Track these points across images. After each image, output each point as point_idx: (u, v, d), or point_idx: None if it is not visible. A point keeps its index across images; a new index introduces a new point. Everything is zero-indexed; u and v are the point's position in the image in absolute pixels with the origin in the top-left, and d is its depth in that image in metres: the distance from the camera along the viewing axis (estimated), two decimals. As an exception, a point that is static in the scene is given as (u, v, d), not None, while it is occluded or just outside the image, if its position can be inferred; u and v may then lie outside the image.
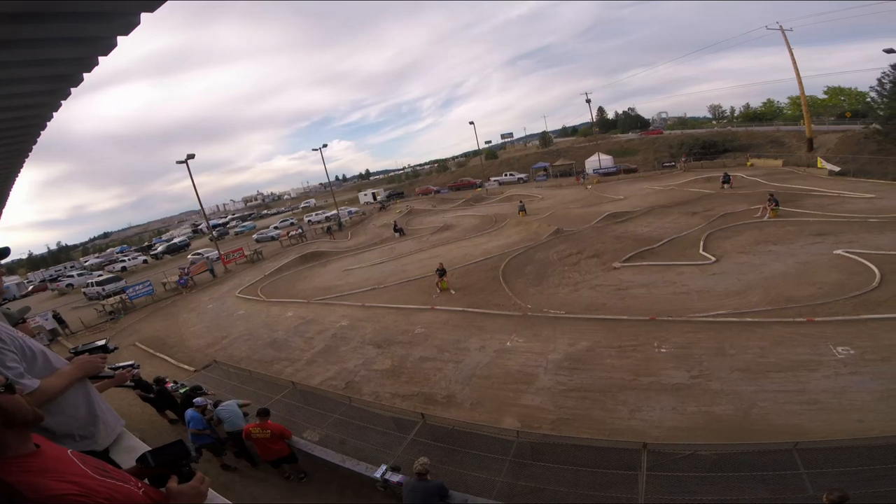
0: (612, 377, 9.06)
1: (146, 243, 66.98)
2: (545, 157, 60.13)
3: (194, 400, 7.50)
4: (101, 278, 32.17)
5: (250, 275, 26.85)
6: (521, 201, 31.77)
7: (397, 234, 31.77)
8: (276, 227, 48.98)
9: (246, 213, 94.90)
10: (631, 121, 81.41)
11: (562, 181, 47.26)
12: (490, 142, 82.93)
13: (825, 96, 53.73)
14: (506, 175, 55.73)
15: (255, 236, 45.41)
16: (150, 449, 1.91)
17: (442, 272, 16.59)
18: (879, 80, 29.06)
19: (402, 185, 76.64)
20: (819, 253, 14.24)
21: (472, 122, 54.77)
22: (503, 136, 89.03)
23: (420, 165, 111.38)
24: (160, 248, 50.98)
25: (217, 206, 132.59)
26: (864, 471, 4.67)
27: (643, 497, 4.64)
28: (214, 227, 54.66)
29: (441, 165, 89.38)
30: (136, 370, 3.23)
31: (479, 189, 51.53)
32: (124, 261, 45.44)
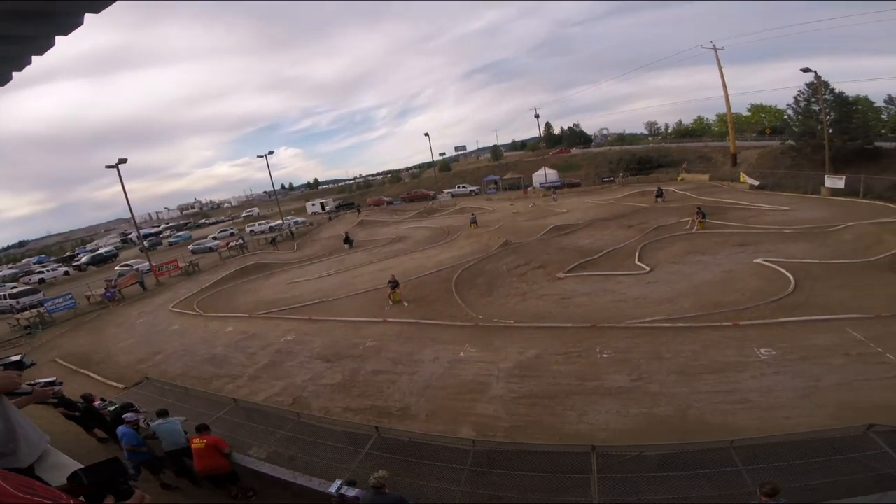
0: (559, 383, 9.39)
1: (68, 253, 60.66)
2: (496, 170, 61.98)
3: (124, 416, 6.98)
4: (14, 290, 28.85)
5: (185, 288, 25.22)
6: (473, 213, 32.38)
7: (347, 246, 31.18)
8: (214, 238, 46.43)
9: (181, 222, 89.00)
10: (575, 136, 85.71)
11: (510, 194, 48.77)
12: (444, 154, 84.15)
13: (748, 113, 59.43)
14: (459, 187, 56.70)
15: (190, 247, 42.70)
16: (81, 466, 1.79)
17: (394, 284, 16.48)
18: (795, 98, 31.77)
19: (353, 195, 75.53)
20: (741, 262, 15.67)
21: (426, 134, 55.45)
22: (457, 149, 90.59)
23: (373, 176, 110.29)
24: (84, 259, 46.36)
25: (149, 214, 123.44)
26: (795, 465, 5.06)
27: (596, 499, 4.81)
28: (146, 236, 50.98)
29: (395, 176, 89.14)
30: (59, 387, 3.00)
31: (433, 202, 52.14)
32: (42, 272, 40.96)
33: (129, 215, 32.27)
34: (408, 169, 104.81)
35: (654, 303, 13.39)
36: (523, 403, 8.84)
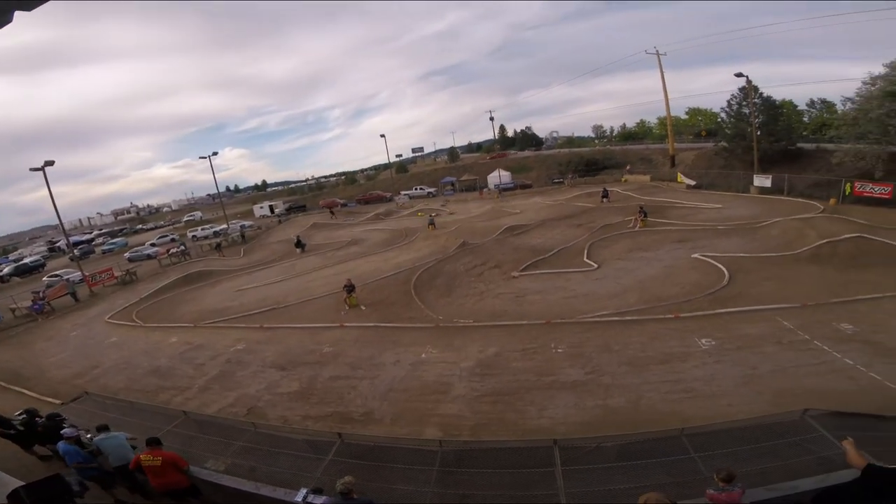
0: (519, 379, 9.61)
1: None
2: (452, 171, 62.43)
3: (63, 431, 6.47)
4: None
5: (123, 298, 23.46)
6: (430, 215, 32.35)
7: (299, 250, 30.22)
8: (153, 244, 43.48)
9: (116, 228, 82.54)
10: (528, 139, 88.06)
11: (467, 195, 49.30)
12: (401, 155, 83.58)
13: (686, 117, 63.38)
14: (416, 189, 56.54)
15: (127, 255, 39.67)
16: (22, 484, 1.65)
17: (350, 288, 16.16)
18: (728, 101, 34.04)
19: (304, 197, 73.33)
20: (680, 257, 16.76)
21: (383, 136, 54.90)
22: (414, 151, 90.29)
23: (325, 177, 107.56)
24: (6, 270, 41.69)
25: (80, 220, 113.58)
26: (742, 451, 5.40)
27: (563, 492, 4.95)
28: (76, 244, 46.90)
29: (349, 178, 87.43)
30: None
31: (391, 202, 51.75)
32: (-44, 284, 36.45)
33: (56, 222, 29.48)
34: (363, 170, 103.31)
35: (602, 298, 14.00)
36: (486, 401, 8.96)
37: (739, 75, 30.20)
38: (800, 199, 23.96)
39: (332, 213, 49.71)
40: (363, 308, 15.86)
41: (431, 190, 55.35)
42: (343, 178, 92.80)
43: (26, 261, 44.63)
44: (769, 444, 5.56)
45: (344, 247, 29.66)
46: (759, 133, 30.11)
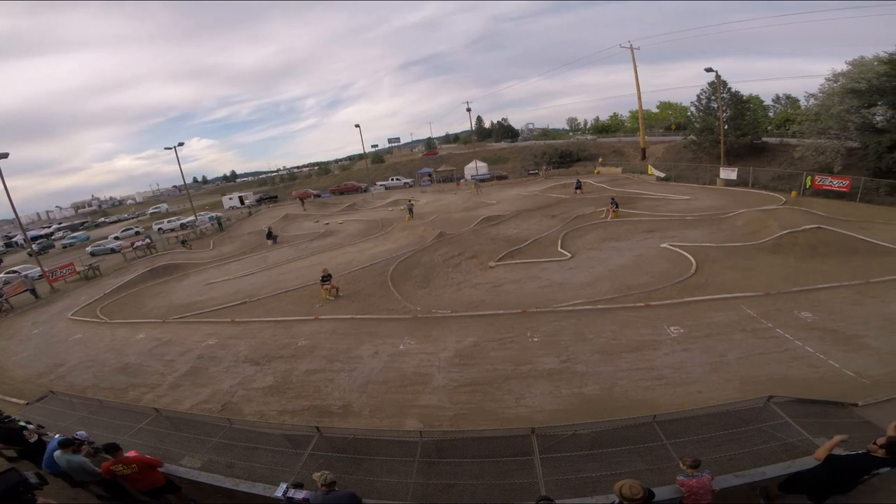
0: (496, 369, 9.72)
1: None
2: (429, 162, 61.92)
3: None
4: None
5: (86, 293, 22.37)
6: (410, 201, 32.05)
7: (271, 242, 29.51)
8: (116, 238, 41.61)
9: (77, 221, 78.28)
10: (504, 130, 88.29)
11: (444, 186, 49.12)
12: (377, 146, 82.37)
13: (657, 110, 64.77)
14: (392, 179, 55.88)
15: (89, 249, 37.78)
16: None
17: (326, 277, 15.90)
18: (698, 96, 34.97)
19: (276, 188, 71.45)
20: (650, 247, 17.22)
21: (357, 126, 53.28)
22: (390, 141, 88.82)
23: (298, 168, 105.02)
24: None
25: (38, 214, 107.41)
26: (711, 437, 5.63)
27: (542, 480, 5.06)
28: (34, 238, 44.42)
29: (323, 168, 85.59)
30: None
31: (367, 193, 51.08)
32: None
33: (12, 216, 27.71)
34: (337, 161, 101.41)
35: (576, 287, 14.27)
36: (465, 391, 9.03)
37: (709, 70, 30.92)
38: (763, 192, 24.98)
39: (303, 203, 48.63)
40: (340, 295, 15.77)
41: (408, 180, 54.89)
42: (316, 168, 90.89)
43: (-22, 257, 41.95)
44: (737, 430, 5.79)
45: (318, 238, 29.14)
46: (726, 127, 31.08)
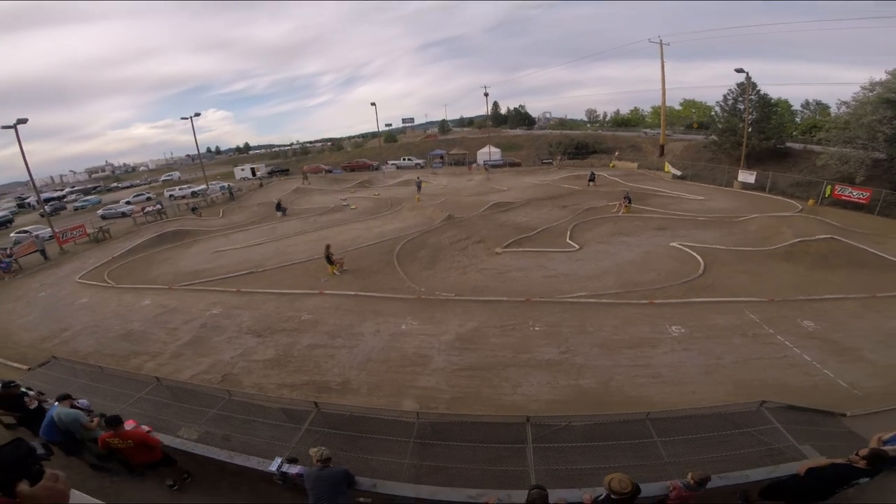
0: (496, 355, 9.76)
1: None
2: (442, 144, 61.40)
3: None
4: None
5: (94, 257, 22.64)
6: (419, 178, 31.89)
7: (280, 214, 29.60)
8: (128, 202, 41.91)
9: (90, 185, 78.91)
10: (520, 118, 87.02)
11: (455, 169, 48.78)
12: (391, 125, 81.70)
13: (680, 108, 63.44)
14: (404, 159, 55.54)
15: (100, 212, 38.16)
16: None
17: (330, 256, 15.92)
18: (724, 96, 34.15)
19: (288, 161, 71.41)
20: (659, 244, 17.04)
21: (373, 104, 52.79)
22: (404, 121, 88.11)
23: (311, 143, 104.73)
24: None
25: (52, 177, 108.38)
26: (700, 438, 5.68)
27: (533, 468, 5.10)
28: (47, 200, 44.88)
29: (336, 144, 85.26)
30: None
31: (378, 171, 50.99)
32: (-81, 239, 34.45)
33: (26, 178, 27.96)
34: (350, 138, 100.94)
35: (581, 279, 14.21)
36: (463, 375, 9.09)
37: (739, 71, 30.01)
38: (780, 198, 24.51)
39: (305, 177, 48.65)
40: (346, 269, 15.88)
41: (420, 161, 54.53)
42: (330, 144, 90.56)
43: (-8, 216, 42.55)
44: (726, 433, 5.84)
45: (327, 213, 29.18)
46: (750, 129, 30.31)
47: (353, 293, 13.85)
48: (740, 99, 32.27)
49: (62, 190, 72.46)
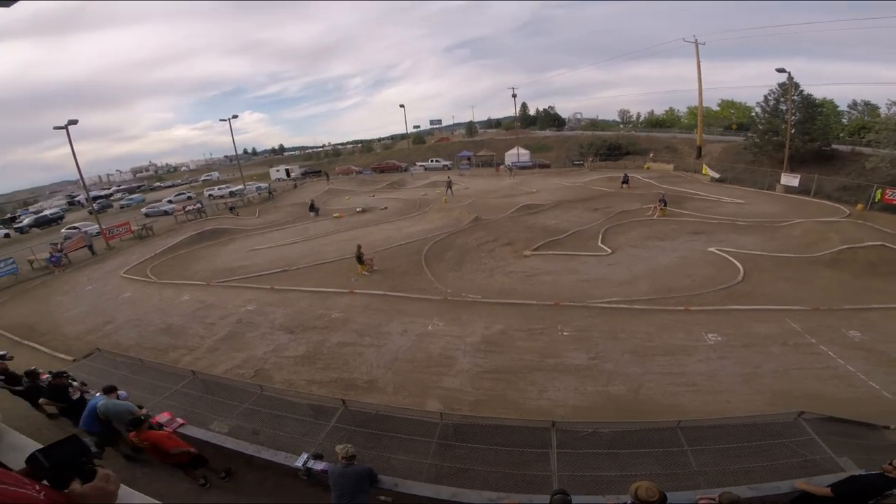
0: (522, 359, 9.67)
1: (8, 215, 55.55)
2: (469, 146, 61.44)
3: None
4: None
5: (138, 252, 23.88)
6: (449, 177, 32.37)
7: (313, 214, 30.38)
8: (170, 201, 44.02)
9: (134, 184, 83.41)
10: (550, 119, 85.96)
11: (482, 171, 48.68)
12: (418, 126, 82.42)
13: (718, 108, 61.17)
14: (431, 161, 55.94)
15: (144, 210, 40.28)
16: (39, 447, 1.65)
17: (361, 256, 16.21)
18: (765, 96, 32.73)
19: (320, 163, 73.20)
20: (696, 249, 16.45)
21: (402, 106, 53.50)
22: (432, 122, 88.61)
23: (342, 144, 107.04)
24: (26, 221, 42.53)
25: (99, 176, 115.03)
26: (733, 448, 5.49)
27: (556, 474, 5.05)
28: (95, 198, 47.59)
29: (366, 146, 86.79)
30: (6, 361, 2.77)
31: (406, 172, 51.60)
32: (-22, 234, 37.38)
33: (76, 177, 29.86)
34: (379, 139, 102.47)
35: (613, 284, 13.88)
36: (488, 378, 9.06)
37: (781, 70, 28.64)
38: (826, 202, 23.16)
39: (327, 178, 49.78)
40: (375, 268, 16.13)
41: (447, 162, 54.74)
42: (360, 146, 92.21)
43: (46, 213, 45.43)
44: (760, 443, 5.64)
45: (357, 214, 29.71)
46: (793, 131, 28.90)
47: (381, 293, 14.05)
48: (782, 99, 30.85)
49: (109, 188, 76.87)
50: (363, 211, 30.02)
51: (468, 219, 22.12)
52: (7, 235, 38.11)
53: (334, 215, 29.24)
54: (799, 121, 29.58)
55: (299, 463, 5.13)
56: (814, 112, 30.23)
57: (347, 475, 4.62)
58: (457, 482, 5.06)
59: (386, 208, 30.54)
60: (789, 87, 29.44)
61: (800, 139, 28.97)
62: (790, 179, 26.51)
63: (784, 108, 30.37)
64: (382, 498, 4.93)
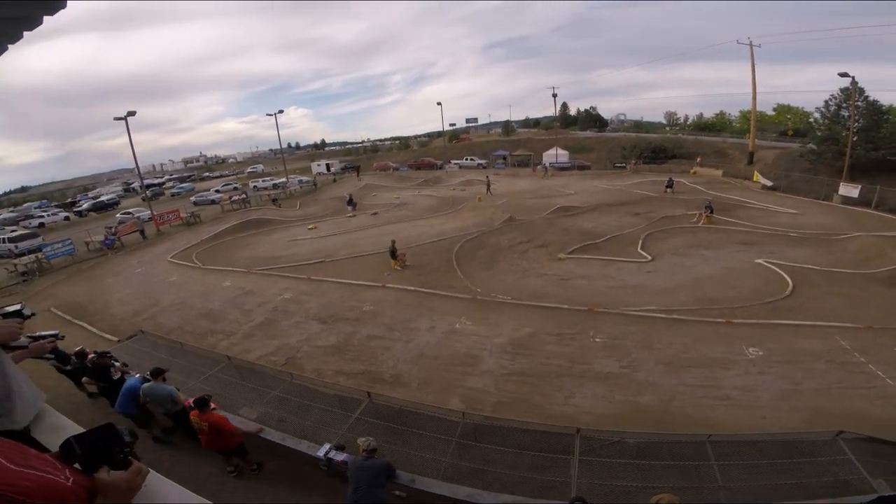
0: (550, 363, 9.53)
1: (69, 199, 60.09)
2: (505, 145, 60.86)
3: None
4: (14, 234, 28.43)
5: (185, 239, 25.20)
6: (487, 176, 33.16)
7: (350, 208, 31.04)
8: (217, 191, 46.08)
9: (185, 174, 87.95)
10: (591, 119, 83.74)
11: (519, 171, 48.12)
12: (455, 125, 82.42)
13: (773, 113, 57.81)
14: (466, 159, 55.82)
15: (193, 198, 42.38)
16: (80, 431, 1.71)
17: (394, 252, 16.44)
18: (826, 102, 30.71)
19: (359, 158, 74.56)
20: (743, 260, 15.63)
21: (439, 104, 53.67)
22: (468, 121, 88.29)
23: (380, 140, 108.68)
24: (85, 205, 46.00)
25: (153, 165, 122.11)
26: (763, 464, 5.25)
27: (575, 481, 4.96)
28: (149, 186, 50.57)
29: (403, 143, 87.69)
30: (58, 341, 2.96)
31: (442, 170, 51.98)
32: (42, 216, 40.65)
33: (132, 165, 32.04)
34: (416, 136, 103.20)
35: (651, 292, 13.42)
36: (513, 380, 9.00)
37: (844, 75, 26.79)
38: (889, 215, 21.32)
39: (357, 174, 50.67)
40: (408, 264, 16.34)
41: (482, 161, 54.45)
42: (398, 142, 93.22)
43: (103, 198, 48.82)
44: (791, 461, 5.41)
45: (392, 209, 30.11)
46: (855, 139, 26.94)
47: (412, 288, 14.18)
48: (844, 105, 28.85)
49: (162, 177, 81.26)
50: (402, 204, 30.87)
51: (501, 218, 21.96)
52: (67, 218, 41.08)
53: (309, 227, 26.46)
54: (862, 128, 27.59)
55: (321, 453, 5.22)
56: (879, 119, 28.15)
57: (366, 468, 4.66)
58: (474, 482, 5.05)
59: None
60: (853, 92, 27.42)
61: (863, 147, 27.03)
62: (849, 190, 24.65)
63: (846, 114, 28.50)
64: (398, 493, 4.98)
